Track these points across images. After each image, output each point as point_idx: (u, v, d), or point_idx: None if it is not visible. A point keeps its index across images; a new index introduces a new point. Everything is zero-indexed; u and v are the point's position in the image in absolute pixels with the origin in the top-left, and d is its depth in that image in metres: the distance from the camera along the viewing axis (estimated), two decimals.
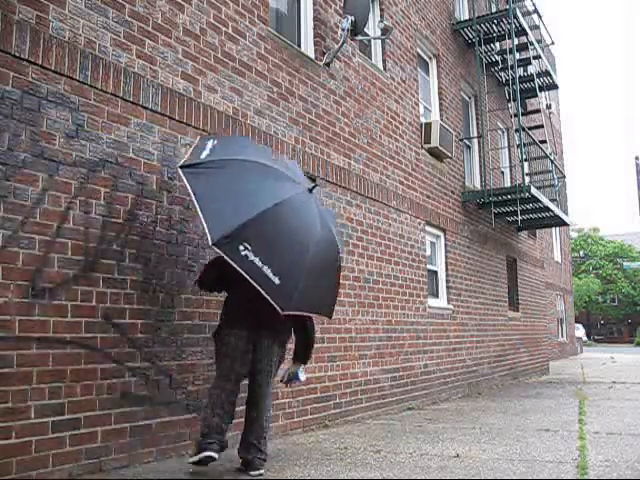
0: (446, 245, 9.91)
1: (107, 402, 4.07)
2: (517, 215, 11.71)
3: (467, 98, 12.03)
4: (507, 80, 12.84)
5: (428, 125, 9.46)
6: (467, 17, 12.05)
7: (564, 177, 14.38)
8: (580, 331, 32.59)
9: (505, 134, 14.09)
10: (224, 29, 5.49)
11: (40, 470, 3.62)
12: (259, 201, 3.83)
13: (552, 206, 12.05)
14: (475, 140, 12.05)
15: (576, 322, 30.09)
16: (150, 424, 4.36)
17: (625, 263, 44.09)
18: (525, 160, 11.89)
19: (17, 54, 3.72)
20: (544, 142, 13.66)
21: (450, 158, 10.21)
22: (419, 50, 9.90)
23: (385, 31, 7.86)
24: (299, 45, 6.85)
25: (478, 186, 11.79)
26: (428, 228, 9.29)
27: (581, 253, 52.72)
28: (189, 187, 3.85)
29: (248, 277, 3.68)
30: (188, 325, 4.78)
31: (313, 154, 6.55)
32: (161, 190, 4.69)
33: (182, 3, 5.07)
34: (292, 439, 5.42)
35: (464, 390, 9.85)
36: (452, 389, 9.42)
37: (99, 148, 4.22)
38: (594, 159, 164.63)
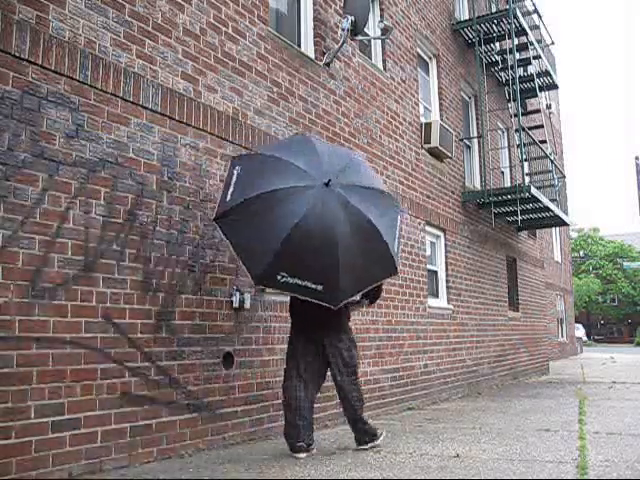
0: (446, 245, 9.91)
1: (107, 402, 4.08)
2: (517, 215, 11.70)
3: (467, 98, 12.04)
4: (507, 80, 12.84)
5: (428, 125, 9.46)
6: (467, 17, 12.05)
7: (564, 177, 14.38)
8: (580, 331, 32.60)
9: (505, 134, 14.09)
10: (224, 29, 5.49)
11: (40, 470, 3.62)
12: (280, 231, 4.23)
13: (552, 206, 12.05)
14: (475, 140, 12.05)
15: (576, 322, 30.09)
16: (150, 424, 4.36)
17: (625, 263, 44.08)
18: (525, 160, 11.89)
19: (17, 54, 3.73)
20: (544, 142, 13.66)
21: (450, 158, 10.21)
22: (419, 50, 9.90)
23: (385, 31, 7.86)
24: (299, 45, 6.85)
25: (478, 186, 11.78)
26: (428, 228, 9.29)
27: (581, 253, 52.71)
28: (227, 239, 4.47)
29: (297, 295, 4.45)
30: (188, 325, 4.78)
31: None
32: (161, 190, 4.69)
33: (182, 3, 5.07)
34: None
35: (464, 390, 9.85)
36: (452, 389, 9.42)
37: (99, 148, 4.22)
38: (594, 159, 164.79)
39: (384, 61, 8.56)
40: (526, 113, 14.77)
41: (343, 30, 6.92)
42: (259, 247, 4.28)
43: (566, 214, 13.70)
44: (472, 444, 5.04)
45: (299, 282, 4.25)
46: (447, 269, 9.87)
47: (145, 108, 4.60)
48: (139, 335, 4.37)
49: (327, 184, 4.42)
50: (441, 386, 9.07)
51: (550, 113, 19.44)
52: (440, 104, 10.44)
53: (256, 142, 5.70)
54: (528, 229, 14.44)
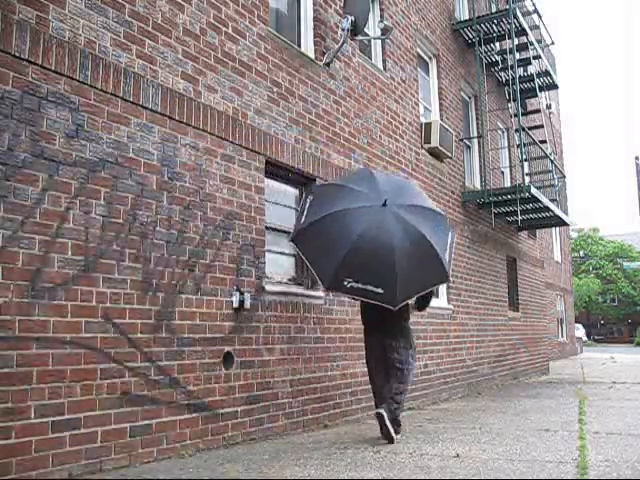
0: None
1: (107, 402, 4.07)
2: (517, 215, 11.70)
3: (467, 98, 12.04)
4: (507, 80, 12.84)
5: (428, 125, 9.46)
6: (467, 17, 12.05)
7: (564, 177, 14.38)
8: (580, 331, 32.61)
9: (505, 134, 14.09)
10: (224, 29, 5.49)
11: (40, 470, 3.62)
12: (343, 245, 5.05)
13: (552, 206, 12.05)
14: (475, 140, 12.05)
15: (576, 322, 30.10)
16: (150, 424, 4.36)
17: (625, 263, 44.06)
18: (525, 160, 11.89)
19: (17, 54, 3.73)
20: (544, 142, 13.66)
21: (450, 158, 10.21)
22: (419, 50, 9.90)
23: (385, 31, 7.86)
24: (299, 45, 6.85)
25: (478, 186, 11.78)
26: None
27: (581, 253, 52.71)
28: (302, 255, 5.41)
29: (361, 298, 5.24)
30: (188, 325, 4.78)
31: (313, 154, 6.55)
32: (161, 190, 4.69)
33: (182, 3, 5.07)
34: (292, 439, 5.42)
35: (464, 390, 9.85)
36: (452, 389, 9.42)
37: (99, 148, 4.22)
38: (594, 159, 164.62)
39: (384, 61, 8.56)
40: (526, 113, 14.77)
41: (343, 30, 6.93)
42: (327, 258, 5.11)
43: (566, 214, 13.70)
44: (472, 444, 5.04)
45: (362, 286, 4.99)
46: None
47: (145, 108, 4.60)
48: (139, 335, 4.37)
49: (384, 204, 5.19)
50: (441, 386, 9.07)
51: (550, 113, 19.43)
52: (440, 104, 10.44)
53: (256, 142, 5.71)
54: (528, 229, 14.44)
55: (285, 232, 6.28)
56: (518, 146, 11.56)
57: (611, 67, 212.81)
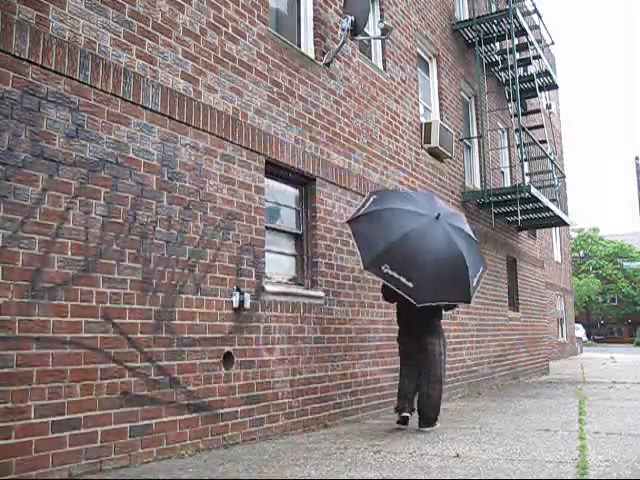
0: None
1: (107, 402, 4.08)
2: (517, 215, 11.70)
3: (467, 98, 12.03)
4: (507, 80, 12.84)
5: (428, 125, 9.46)
6: (467, 17, 12.05)
7: (564, 177, 14.39)
8: (580, 331, 32.60)
9: (505, 134, 14.09)
10: (224, 29, 5.49)
11: (40, 470, 3.62)
12: (393, 235, 5.62)
13: (552, 206, 12.04)
14: (475, 140, 12.05)
15: (576, 322, 30.10)
16: (150, 424, 4.36)
17: (625, 263, 44.04)
18: (525, 160, 11.89)
19: (17, 54, 3.73)
20: (544, 142, 13.67)
21: (450, 158, 10.21)
22: (419, 50, 9.90)
23: (385, 31, 7.86)
24: (299, 45, 6.85)
25: (478, 186, 11.78)
26: None
27: (581, 253, 52.71)
28: (353, 232, 5.88)
29: (390, 285, 5.51)
30: (188, 325, 4.78)
31: (313, 154, 6.55)
32: (161, 190, 4.69)
33: (182, 3, 5.07)
34: (292, 439, 5.42)
35: (464, 390, 9.85)
36: (452, 389, 9.41)
37: (99, 148, 4.22)
38: (594, 159, 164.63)
39: (384, 61, 8.56)
40: (526, 113, 14.76)
41: (343, 30, 6.93)
42: (375, 242, 5.61)
43: (566, 214, 13.70)
44: (472, 444, 5.04)
45: (396, 275, 5.42)
46: None
47: (145, 108, 4.60)
48: (139, 335, 4.37)
49: (437, 217, 5.86)
50: None
51: (550, 113, 19.44)
52: (440, 104, 10.44)
53: (256, 142, 5.70)
54: (528, 229, 14.44)
55: (285, 232, 6.29)
56: (518, 146, 11.56)
57: (611, 67, 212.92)
